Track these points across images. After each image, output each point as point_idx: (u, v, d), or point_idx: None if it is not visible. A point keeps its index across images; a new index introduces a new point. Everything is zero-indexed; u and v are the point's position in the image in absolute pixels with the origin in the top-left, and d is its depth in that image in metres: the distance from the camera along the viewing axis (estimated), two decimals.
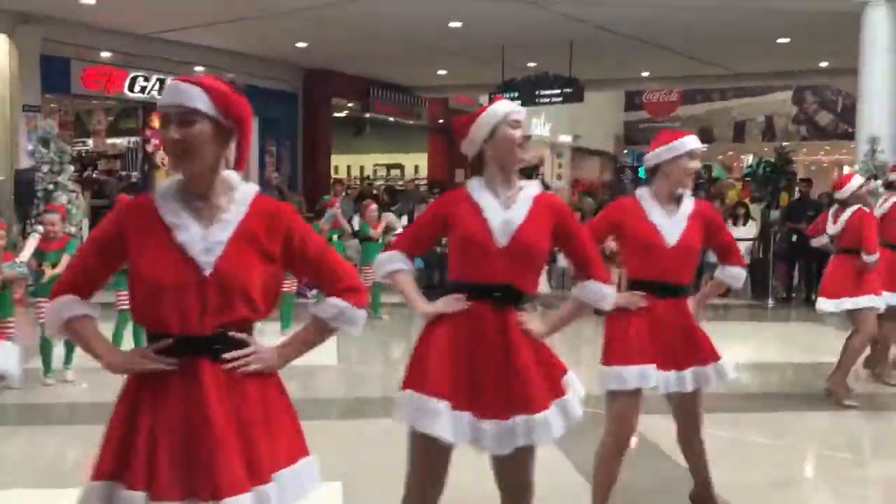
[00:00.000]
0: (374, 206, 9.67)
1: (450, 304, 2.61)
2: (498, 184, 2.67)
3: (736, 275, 3.45)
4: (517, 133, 2.63)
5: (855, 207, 5.85)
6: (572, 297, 2.74)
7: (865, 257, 5.64)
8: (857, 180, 5.97)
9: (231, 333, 1.96)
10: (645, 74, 17.38)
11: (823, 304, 5.90)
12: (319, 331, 2.13)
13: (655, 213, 3.27)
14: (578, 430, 5.22)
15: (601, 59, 14.38)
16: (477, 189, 2.68)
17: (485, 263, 2.59)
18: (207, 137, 1.93)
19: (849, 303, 5.70)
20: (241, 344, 1.98)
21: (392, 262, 2.77)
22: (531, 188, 2.69)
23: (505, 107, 2.69)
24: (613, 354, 3.25)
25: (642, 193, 3.34)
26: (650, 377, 3.18)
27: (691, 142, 3.31)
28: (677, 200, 3.30)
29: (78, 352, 6.10)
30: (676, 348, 3.24)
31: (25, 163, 10.62)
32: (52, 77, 12.37)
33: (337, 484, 4.00)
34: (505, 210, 2.62)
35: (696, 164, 3.32)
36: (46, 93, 12.52)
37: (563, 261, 12.67)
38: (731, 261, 3.44)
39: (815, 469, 4.66)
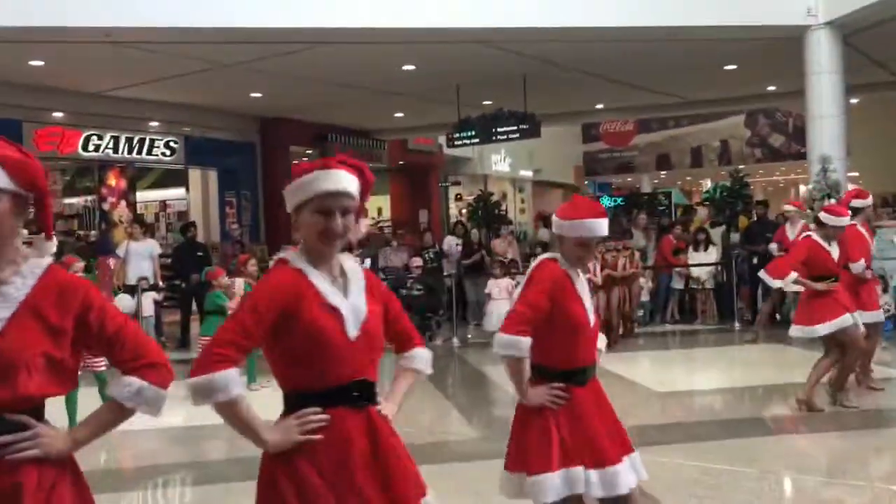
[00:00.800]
0: None
1: (304, 425, 2.09)
2: (326, 259, 2.21)
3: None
4: (320, 221, 2.15)
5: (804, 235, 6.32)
6: (401, 367, 2.44)
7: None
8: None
9: (6, 416, 1.80)
10: (599, 106, 17.62)
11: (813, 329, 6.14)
12: (116, 413, 1.94)
13: (580, 287, 2.97)
14: None
15: (555, 93, 14.56)
16: (306, 266, 2.17)
17: (340, 360, 2.13)
18: (7, 213, 1.85)
19: (825, 327, 5.98)
20: (19, 427, 1.82)
21: (231, 387, 2.04)
22: (350, 262, 2.28)
23: (319, 184, 2.15)
24: (535, 459, 2.86)
25: (560, 258, 2.99)
26: (579, 481, 2.82)
27: (589, 228, 2.92)
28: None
29: None
30: (607, 439, 2.90)
31: None
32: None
33: None
34: (345, 294, 2.19)
35: (587, 254, 2.97)
36: None
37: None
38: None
39: (790, 494, 4.63)
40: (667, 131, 27.24)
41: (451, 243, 13.31)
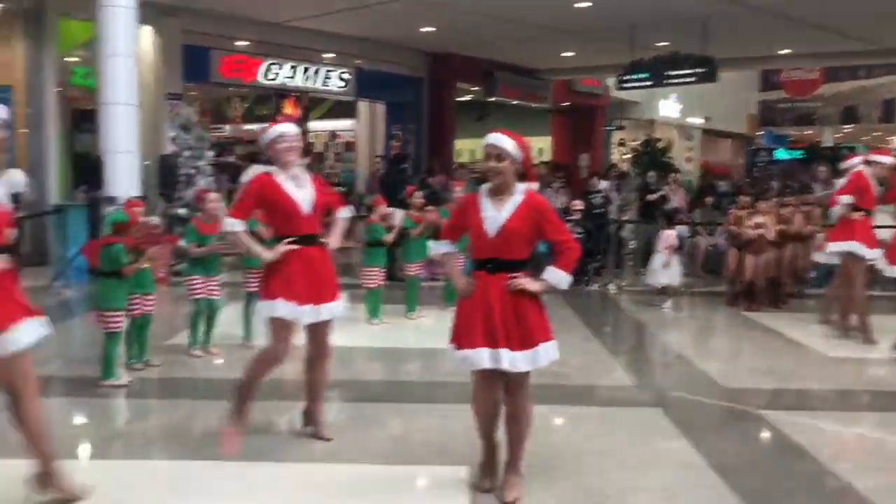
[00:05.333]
0: None
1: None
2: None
3: None
4: None
5: None
6: None
7: None
8: None
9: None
10: (784, 52, 16.48)
11: None
12: None
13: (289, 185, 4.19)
14: (710, 426, 5.02)
15: (737, 36, 13.73)
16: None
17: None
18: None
19: None
20: None
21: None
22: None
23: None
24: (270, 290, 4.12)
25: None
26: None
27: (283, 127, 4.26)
28: None
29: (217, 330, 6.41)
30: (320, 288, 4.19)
31: (169, 149, 11.18)
32: (192, 66, 12.97)
33: (463, 468, 4.01)
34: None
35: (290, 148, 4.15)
36: (187, 81, 13.14)
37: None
38: None
39: None
40: (856, 81, 25.21)
41: (606, 187, 12.99)
